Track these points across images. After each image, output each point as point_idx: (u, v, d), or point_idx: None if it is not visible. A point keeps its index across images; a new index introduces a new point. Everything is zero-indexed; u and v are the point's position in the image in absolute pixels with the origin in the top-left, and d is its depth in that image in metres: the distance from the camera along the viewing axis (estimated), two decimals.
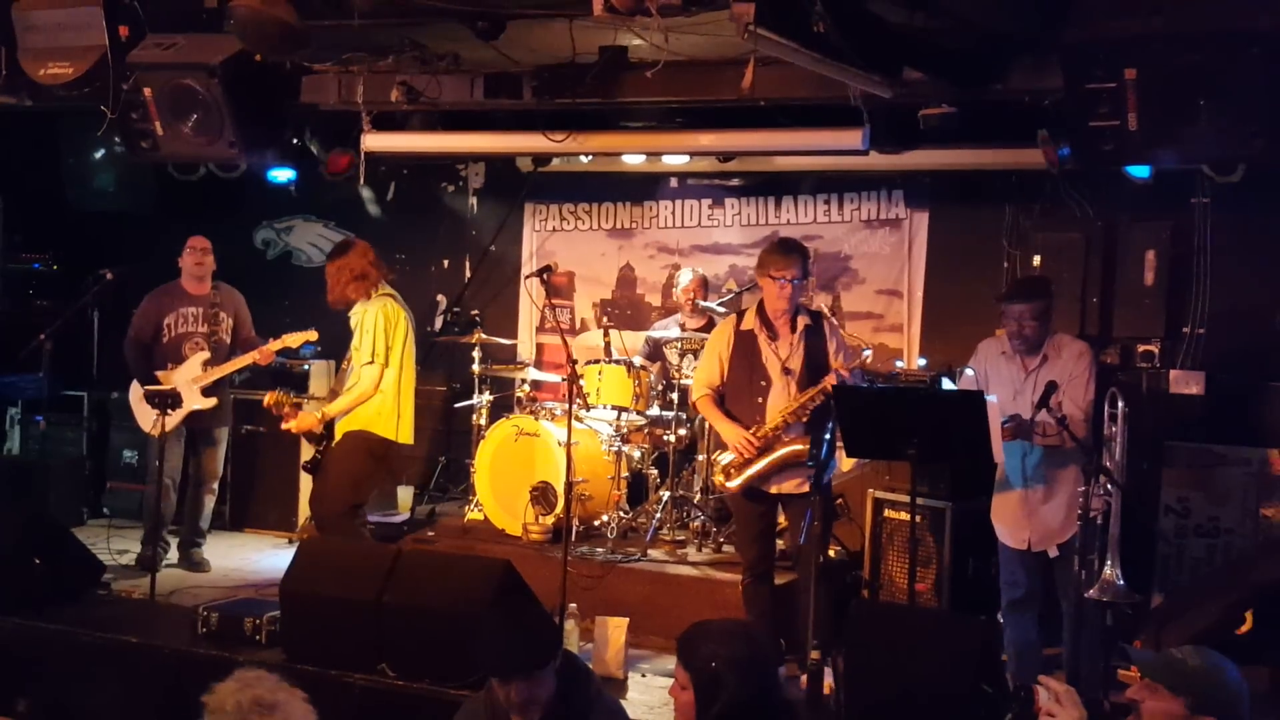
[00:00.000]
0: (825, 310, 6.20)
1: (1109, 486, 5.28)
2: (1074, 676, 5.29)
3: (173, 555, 7.87)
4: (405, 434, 6.78)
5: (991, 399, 5.38)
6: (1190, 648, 3.30)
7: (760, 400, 5.88)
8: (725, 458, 6.03)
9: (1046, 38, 5.32)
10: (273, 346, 7.47)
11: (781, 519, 6.31)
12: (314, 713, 2.99)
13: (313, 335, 7.58)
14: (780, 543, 6.51)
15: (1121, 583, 5.27)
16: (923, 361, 6.04)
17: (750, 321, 6.04)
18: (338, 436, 6.76)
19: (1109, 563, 5.29)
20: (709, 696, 3.30)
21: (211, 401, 7.56)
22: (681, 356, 7.72)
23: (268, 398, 6.99)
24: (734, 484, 5.96)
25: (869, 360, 6.12)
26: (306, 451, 8.56)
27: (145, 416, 7.58)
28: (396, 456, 6.96)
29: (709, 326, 8.06)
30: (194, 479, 7.89)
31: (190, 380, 7.48)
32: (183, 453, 7.76)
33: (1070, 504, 5.45)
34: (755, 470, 5.89)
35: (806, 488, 5.82)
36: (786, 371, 5.90)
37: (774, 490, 5.94)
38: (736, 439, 5.89)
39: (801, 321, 5.97)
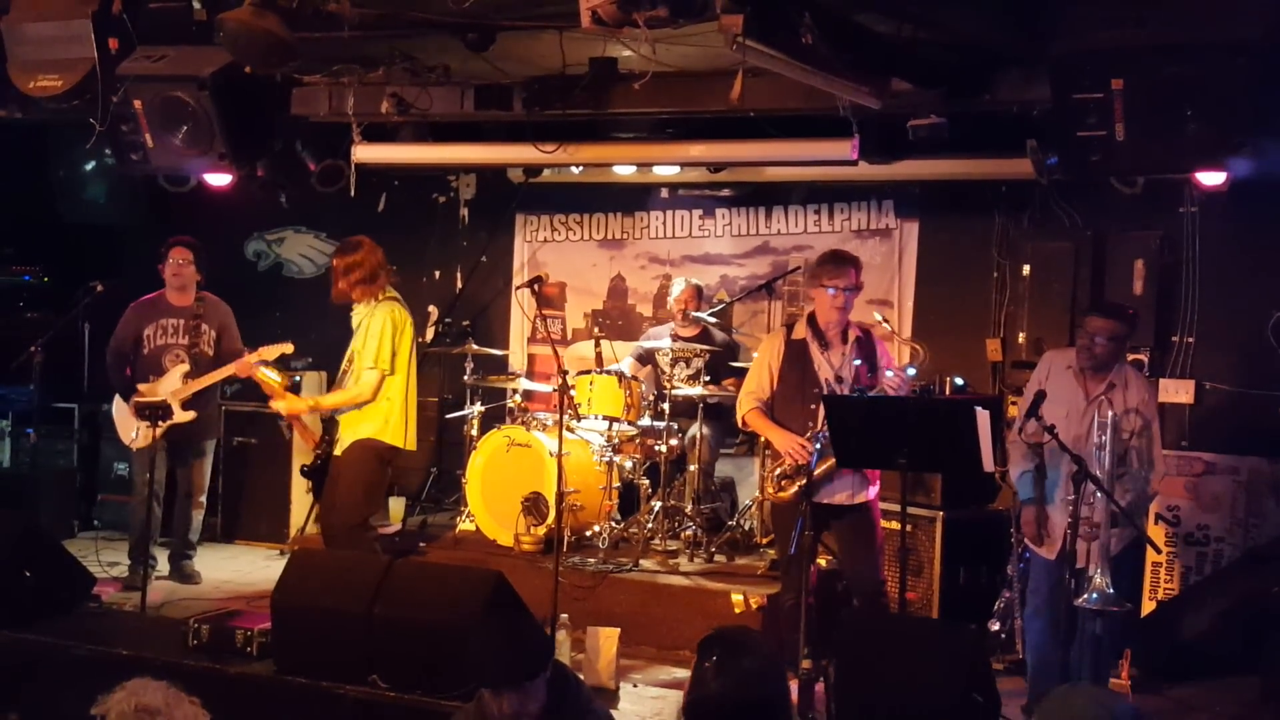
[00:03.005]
0: (879, 320, 6.16)
1: (1098, 494, 5.29)
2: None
3: (163, 567, 7.86)
4: (411, 441, 6.75)
5: (982, 410, 5.38)
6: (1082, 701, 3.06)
7: (813, 407, 5.79)
8: (777, 470, 6.00)
9: (1034, 49, 5.34)
10: (250, 359, 7.44)
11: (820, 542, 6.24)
12: (206, 715, 3.08)
13: (288, 348, 7.53)
14: (821, 561, 6.42)
15: (1111, 590, 5.27)
16: (912, 371, 6.04)
17: (801, 331, 6.01)
18: (345, 444, 6.69)
19: (1099, 571, 5.30)
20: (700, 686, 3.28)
21: (190, 415, 7.46)
22: (673, 365, 7.73)
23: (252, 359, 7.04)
24: (788, 494, 5.88)
25: (914, 379, 6.07)
26: (301, 456, 8.57)
27: (126, 429, 7.56)
28: (400, 464, 6.95)
29: (702, 336, 8.08)
30: (181, 491, 7.85)
31: (170, 393, 7.43)
32: (166, 466, 7.71)
33: (1120, 508, 5.34)
34: (809, 479, 5.78)
35: (859, 499, 5.86)
36: (839, 380, 5.86)
37: (824, 501, 5.85)
38: (790, 445, 5.82)
39: (853, 333, 5.96)
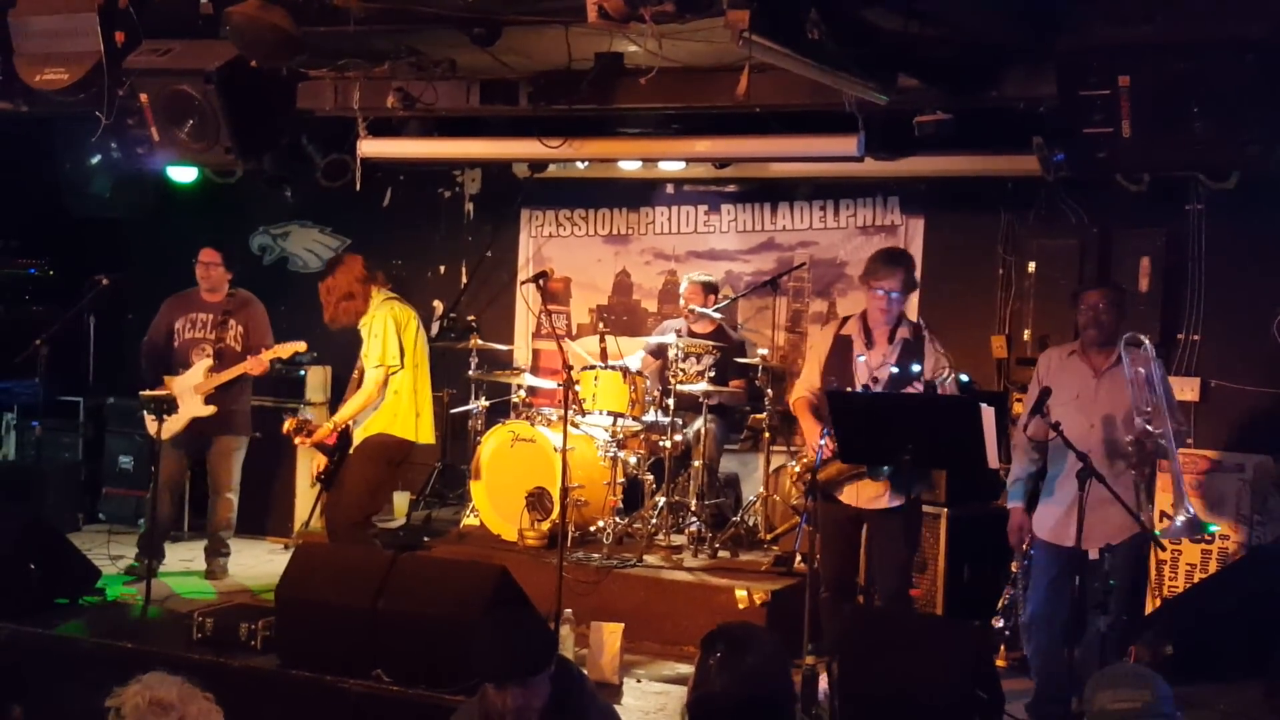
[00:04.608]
0: (924, 325, 5.96)
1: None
2: (1071, 683, 5.28)
3: (173, 564, 7.87)
4: (425, 434, 6.79)
5: (986, 406, 5.37)
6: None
7: None
8: (797, 466, 5.95)
9: (1041, 45, 5.33)
10: (264, 357, 7.46)
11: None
12: (219, 712, 3.11)
13: (301, 346, 7.56)
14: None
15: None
16: (917, 368, 6.04)
17: (852, 327, 5.94)
18: (356, 442, 6.76)
19: (1180, 503, 5.31)
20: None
21: (210, 409, 7.48)
22: (683, 359, 7.72)
23: (286, 425, 7.09)
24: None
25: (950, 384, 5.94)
26: (305, 461, 8.57)
27: (152, 421, 7.59)
28: (416, 458, 6.98)
29: (717, 333, 8.06)
30: (210, 488, 7.89)
31: (192, 386, 7.46)
32: (183, 460, 7.73)
33: (1127, 505, 5.35)
34: (826, 475, 5.73)
35: (880, 505, 5.70)
36: (874, 380, 5.74)
37: (847, 500, 5.77)
38: (812, 440, 5.76)
39: (901, 334, 5.82)
